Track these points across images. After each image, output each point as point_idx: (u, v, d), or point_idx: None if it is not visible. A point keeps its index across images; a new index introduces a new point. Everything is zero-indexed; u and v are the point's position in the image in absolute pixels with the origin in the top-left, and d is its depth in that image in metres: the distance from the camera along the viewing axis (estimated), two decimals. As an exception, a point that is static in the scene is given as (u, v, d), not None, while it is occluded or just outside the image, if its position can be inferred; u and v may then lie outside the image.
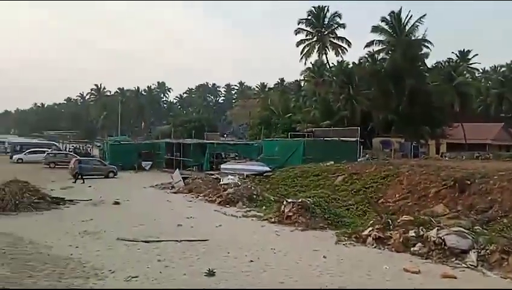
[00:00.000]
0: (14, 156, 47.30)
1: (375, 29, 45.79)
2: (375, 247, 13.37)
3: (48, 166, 40.66)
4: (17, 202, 18.61)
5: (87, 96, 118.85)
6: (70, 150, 54.36)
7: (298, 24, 54.71)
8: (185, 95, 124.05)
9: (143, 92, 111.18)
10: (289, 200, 18.01)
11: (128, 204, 21.40)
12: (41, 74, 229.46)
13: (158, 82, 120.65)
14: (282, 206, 17.72)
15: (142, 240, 13.73)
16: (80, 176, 30.68)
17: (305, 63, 57.49)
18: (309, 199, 17.89)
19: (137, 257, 11.90)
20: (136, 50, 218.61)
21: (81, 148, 58.62)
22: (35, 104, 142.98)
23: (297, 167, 26.44)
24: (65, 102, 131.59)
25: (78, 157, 38.87)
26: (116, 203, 21.14)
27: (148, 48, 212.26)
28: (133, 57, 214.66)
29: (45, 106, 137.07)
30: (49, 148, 48.91)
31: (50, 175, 32.87)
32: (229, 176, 25.51)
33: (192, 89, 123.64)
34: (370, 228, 14.25)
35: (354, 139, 33.59)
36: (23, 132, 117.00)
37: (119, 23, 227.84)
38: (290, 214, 17.00)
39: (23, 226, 15.44)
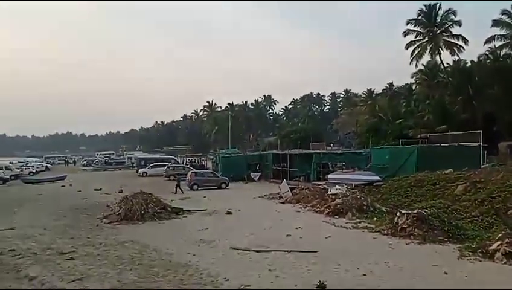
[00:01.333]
0: (140, 170, 52.37)
1: (496, 23, 41.55)
2: (505, 263, 11.91)
3: (168, 178, 44.14)
4: (143, 212, 20.52)
5: (201, 113, 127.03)
6: (187, 163, 58.48)
7: (407, 25, 52.17)
8: (290, 106, 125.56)
9: (250, 106, 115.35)
10: (403, 211, 16.98)
11: (239, 214, 22.21)
12: (161, 96, 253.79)
13: (264, 95, 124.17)
14: (396, 218, 16.76)
15: (253, 249, 14.09)
16: (178, 187, 32.61)
17: (416, 65, 54.39)
18: (426, 210, 16.65)
19: (249, 266, 12.22)
20: (244, 67, 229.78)
21: (196, 161, 62.79)
22: (156, 122, 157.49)
23: (411, 176, 24.84)
24: (181, 119, 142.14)
25: (194, 169, 41.71)
26: (229, 213, 22.08)
27: (255, 64, 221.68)
28: (240, 73, 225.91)
29: (165, 123, 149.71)
30: (169, 162, 53.25)
31: (171, 187, 35.64)
32: (337, 186, 24.98)
33: (297, 99, 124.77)
34: (498, 242, 12.74)
35: (476, 144, 30.50)
36: (146, 148, 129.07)
37: (226, 42, 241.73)
38: (405, 226, 15.99)
39: (148, 235, 16.94)
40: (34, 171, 61.67)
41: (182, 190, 32.49)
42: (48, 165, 76.43)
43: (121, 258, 13.21)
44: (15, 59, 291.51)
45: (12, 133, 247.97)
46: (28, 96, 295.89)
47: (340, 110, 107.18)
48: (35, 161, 76.48)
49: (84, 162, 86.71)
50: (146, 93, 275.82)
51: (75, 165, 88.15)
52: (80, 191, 34.49)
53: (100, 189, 35.00)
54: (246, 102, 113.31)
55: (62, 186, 40.05)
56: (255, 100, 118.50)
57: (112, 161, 78.58)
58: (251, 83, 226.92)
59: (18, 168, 58.98)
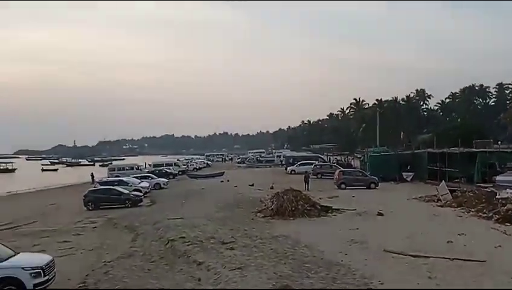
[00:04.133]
0: (288, 168, 54.08)
1: None
2: None
3: (316, 176, 44.57)
4: (293, 208, 21.15)
5: (347, 111, 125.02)
6: (334, 162, 58.23)
7: None
8: (447, 100, 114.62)
9: (401, 102, 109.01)
10: None
11: (391, 215, 21.17)
12: (308, 95, 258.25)
13: (417, 90, 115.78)
14: None
15: (410, 254, 13.28)
16: (307, 183, 32.65)
17: None
18: None
19: (406, 271, 11.57)
20: (393, 60, 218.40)
21: (343, 160, 62.07)
22: (303, 121, 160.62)
23: None
24: (327, 117, 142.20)
25: (342, 168, 41.28)
26: (380, 214, 21.23)
27: (407, 56, 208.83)
28: (390, 68, 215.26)
29: (311, 122, 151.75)
30: (316, 161, 53.78)
31: (318, 185, 35.94)
32: (508, 189, 21.93)
33: (456, 93, 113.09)
34: None
35: None
36: (294, 147, 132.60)
37: (368, 34, 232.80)
38: None
39: (299, 231, 17.35)
40: (197, 167, 69.05)
41: (308, 187, 32.42)
42: (209, 162, 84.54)
43: (275, 251, 13.82)
44: (170, 68, 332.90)
45: (178, 133, 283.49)
46: (185, 100, 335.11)
47: (510, 103, 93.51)
48: (198, 158, 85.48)
49: (239, 159, 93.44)
50: (294, 92, 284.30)
51: (231, 162, 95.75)
52: (236, 186, 37.25)
53: (253, 185, 37.24)
54: (395, 98, 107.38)
55: (221, 181, 43.85)
56: (406, 95, 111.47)
57: (263, 159, 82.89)
58: (402, 78, 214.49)
59: (184, 165, 66.75)
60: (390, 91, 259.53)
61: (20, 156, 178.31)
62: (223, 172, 53.60)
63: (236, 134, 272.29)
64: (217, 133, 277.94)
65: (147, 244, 16.08)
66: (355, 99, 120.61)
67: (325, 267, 11.94)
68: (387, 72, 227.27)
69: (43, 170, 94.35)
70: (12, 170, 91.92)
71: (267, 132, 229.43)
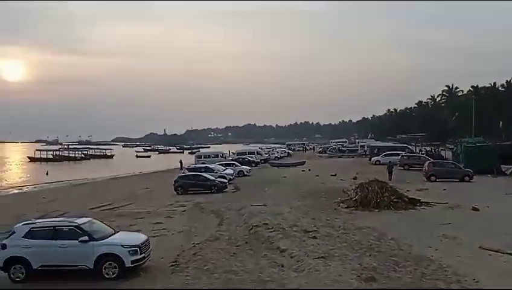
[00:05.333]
0: (373, 158, 52.31)
1: None
2: None
3: (403, 168, 42.62)
4: (378, 200, 20.47)
5: (438, 98, 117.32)
6: (423, 152, 55.13)
7: None
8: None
9: (500, 88, 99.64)
10: None
11: (488, 211, 19.55)
12: (395, 82, 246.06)
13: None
14: None
15: (508, 252, 12.22)
16: (390, 174, 31.74)
17: None
18: None
19: (505, 270, 10.70)
20: (493, 44, 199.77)
21: (432, 150, 58.51)
22: (389, 110, 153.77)
23: None
24: (416, 106, 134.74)
25: (431, 159, 38.96)
26: (475, 209, 19.73)
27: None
28: (487, 52, 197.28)
29: (397, 111, 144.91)
30: (403, 151, 51.34)
31: (405, 176, 34.31)
32: None
33: None
34: None
35: None
36: (378, 136, 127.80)
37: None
38: None
39: (384, 223, 16.79)
40: (278, 156, 69.61)
41: (391, 178, 31.06)
42: (290, 151, 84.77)
43: (359, 243, 13.53)
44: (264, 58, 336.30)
45: (260, 122, 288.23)
46: (267, 90, 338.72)
47: None
48: (279, 147, 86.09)
49: (320, 149, 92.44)
50: (381, 79, 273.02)
51: (313, 151, 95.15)
52: (317, 175, 36.98)
53: (335, 175, 36.67)
54: (494, 84, 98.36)
55: (302, 171, 43.81)
56: (506, 81, 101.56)
57: (345, 149, 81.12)
58: (502, 62, 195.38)
59: (266, 154, 67.70)
60: (488, 77, 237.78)
61: (117, 143, 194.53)
62: (304, 161, 53.46)
63: (318, 123, 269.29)
64: (298, 122, 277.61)
65: (232, 229, 16.65)
66: (447, 86, 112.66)
67: (413, 261, 11.45)
68: (483, 56, 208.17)
69: (137, 156, 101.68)
70: (111, 156, 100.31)
71: (350, 121, 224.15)
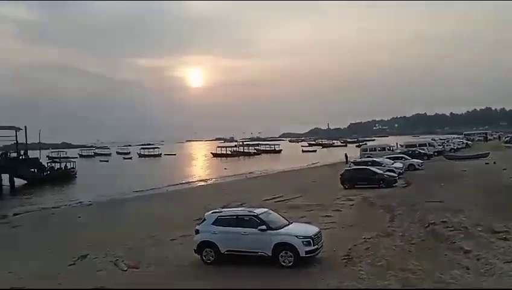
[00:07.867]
0: None
1: None
2: None
3: None
4: None
5: None
6: None
7: None
8: None
9: None
10: None
11: None
12: None
13: None
14: None
15: None
16: None
17: None
18: None
19: None
20: None
21: None
22: None
23: None
24: None
25: None
26: None
27: None
28: None
29: None
30: None
31: None
32: None
33: None
34: None
35: None
36: None
37: None
38: None
39: None
40: (454, 147, 63.13)
41: None
42: (468, 142, 76.06)
43: None
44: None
45: (431, 111, 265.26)
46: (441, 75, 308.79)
47: None
48: (456, 138, 78.00)
49: (507, 138, 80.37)
50: None
51: (499, 141, 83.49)
52: (505, 169, 32.26)
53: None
54: None
55: (486, 163, 38.86)
56: None
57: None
58: None
59: (439, 145, 62.19)
60: None
61: (284, 139, 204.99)
62: (488, 153, 47.16)
63: (503, 108, 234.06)
64: (478, 109, 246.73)
65: (405, 226, 15.81)
66: None
67: None
68: None
69: (303, 151, 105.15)
70: (279, 151, 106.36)
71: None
